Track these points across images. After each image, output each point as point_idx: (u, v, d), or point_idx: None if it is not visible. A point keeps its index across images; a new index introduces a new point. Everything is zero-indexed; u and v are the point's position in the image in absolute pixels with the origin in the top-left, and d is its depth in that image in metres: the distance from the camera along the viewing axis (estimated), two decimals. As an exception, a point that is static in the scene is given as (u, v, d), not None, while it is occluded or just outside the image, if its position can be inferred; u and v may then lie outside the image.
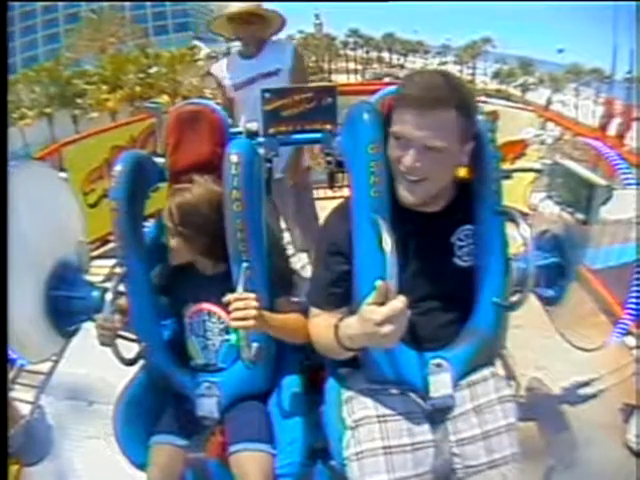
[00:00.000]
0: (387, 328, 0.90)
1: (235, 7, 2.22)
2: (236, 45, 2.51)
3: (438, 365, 1.15)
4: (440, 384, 1.14)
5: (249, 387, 1.30)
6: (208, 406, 1.28)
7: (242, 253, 1.20)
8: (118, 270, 1.25)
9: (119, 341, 1.23)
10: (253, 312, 1.06)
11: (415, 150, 1.04)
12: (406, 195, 1.10)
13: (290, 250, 2.44)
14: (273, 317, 1.16)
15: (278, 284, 1.29)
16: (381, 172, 1.10)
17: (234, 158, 1.18)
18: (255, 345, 1.13)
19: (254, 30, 2.28)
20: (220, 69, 2.43)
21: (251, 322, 1.06)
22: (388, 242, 1.00)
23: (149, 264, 1.31)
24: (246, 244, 1.19)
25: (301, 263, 2.60)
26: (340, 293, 1.19)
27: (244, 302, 1.07)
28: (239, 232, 1.19)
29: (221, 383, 1.29)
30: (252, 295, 1.09)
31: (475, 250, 1.19)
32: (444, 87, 1.03)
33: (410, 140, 1.04)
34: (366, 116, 1.13)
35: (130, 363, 1.24)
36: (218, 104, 1.49)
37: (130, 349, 1.28)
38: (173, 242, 1.28)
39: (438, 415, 1.14)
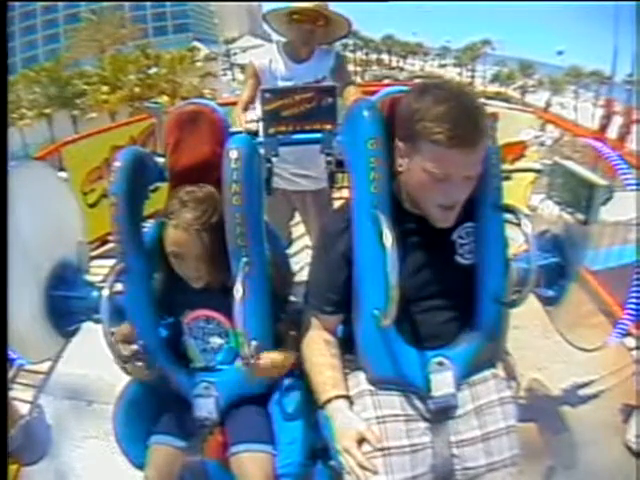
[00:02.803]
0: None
1: (302, 3, 2.07)
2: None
3: (440, 363, 1.14)
4: (442, 383, 1.13)
5: (248, 387, 1.29)
6: (206, 406, 1.27)
7: (241, 248, 1.18)
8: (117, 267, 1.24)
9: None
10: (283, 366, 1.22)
11: (457, 184, 1.04)
12: (441, 221, 1.09)
13: (289, 251, 2.43)
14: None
15: (277, 283, 1.28)
16: (381, 168, 1.10)
17: (234, 153, 1.18)
18: (254, 343, 1.13)
19: (315, 32, 2.13)
20: (264, 62, 2.24)
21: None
22: (389, 237, 1.01)
23: (148, 263, 1.30)
24: (245, 239, 1.18)
25: (300, 264, 2.59)
26: (338, 300, 1.19)
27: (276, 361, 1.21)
28: (238, 226, 1.17)
29: (219, 383, 1.28)
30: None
31: (476, 247, 1.19)
32: (482, 115, 1.02)
33: (452, 176, 1.02)
34: (366, 113, 1.13)
35: (127, 361, 1.24)
36: (219, 104, 1.48)
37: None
38: (201, 266, 1.24)
39: (439, 416, 1.13)
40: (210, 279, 1.26)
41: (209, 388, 1.27)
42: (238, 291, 1.09)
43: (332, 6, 2.14)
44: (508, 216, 1.20)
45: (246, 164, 1.17)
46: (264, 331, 1.22)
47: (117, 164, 1.22)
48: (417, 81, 1.20)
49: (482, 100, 1.06)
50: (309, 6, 2.07)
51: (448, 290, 1.18)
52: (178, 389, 1.31)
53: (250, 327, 1.12)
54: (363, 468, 1.04)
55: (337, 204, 1.28)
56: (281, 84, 2.18)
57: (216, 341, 1.32)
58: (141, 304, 1.28)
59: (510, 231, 1.21)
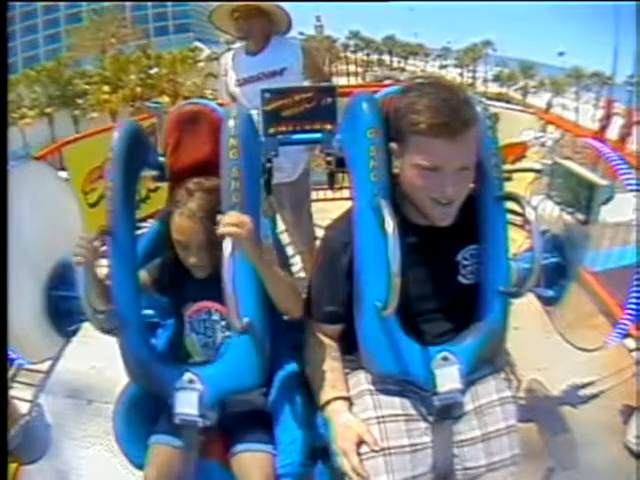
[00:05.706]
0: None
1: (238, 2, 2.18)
2: (236, 48, 2.50)
3: (445, 359, 1.12)
4: (448, 378, 1.11)
5: (237, 382, 1.21)
6: (187, 401, 1.16)
7: (236, 205, 1.14)
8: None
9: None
10: (248, 225, 1.03)
11: (450, 176, 1.02)
12: (440, 218, 1.08)
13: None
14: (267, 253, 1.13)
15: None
16: (380, 157, 1.10)
17: (232, 112, 1.19)
18: (245, 320, 1.08)
19: (256, 26, 2.23)
20: (226, 61, 2.42)
21: (243, 232, 1.01)
22: (390, 224, 1.00)
23: (135, 236, 1.28)
24: (240, 195, 1.14)
25: (297, 267, 2.58)
26: (340, 313, 1.20)
27: (238, 218, 1.04)
28: (233, 181, 1.14)
29: (205, 376, 1.18)
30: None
31: (479, 240, 1.18)
32: (466, 105, 1.02)
33: (444, 168, 1.01)
34: (365, 104, 1.14)
35: (110, 332, 1.19)
36: (220, 104, 1.48)
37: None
38: (204, 255, 1.24)
39: (440, 415, 1.12)
40: (212, 270, 1.26)
41: (193, 381, 1.18)
42: (227, 247, 1.01)
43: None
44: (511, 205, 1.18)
45: (244, 122, 1.18)
46: (255, 298, 1.17)
47: (116, 134, 1.22)
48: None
49: (468, 92, 1.05)
50: (246, 3, 2.17)
51: (449, 305, 1.18)
52: (156, 381, 1.22)
53: (240, 290, 1.05)
54: (359, 473, 1.05)
55: (339, 214, 1.26)
56: (240, 76, 2.34)
57: (218, 335, 1.31)
58: (124, 278, 1.22)
59: (510, 232, 1.21)
